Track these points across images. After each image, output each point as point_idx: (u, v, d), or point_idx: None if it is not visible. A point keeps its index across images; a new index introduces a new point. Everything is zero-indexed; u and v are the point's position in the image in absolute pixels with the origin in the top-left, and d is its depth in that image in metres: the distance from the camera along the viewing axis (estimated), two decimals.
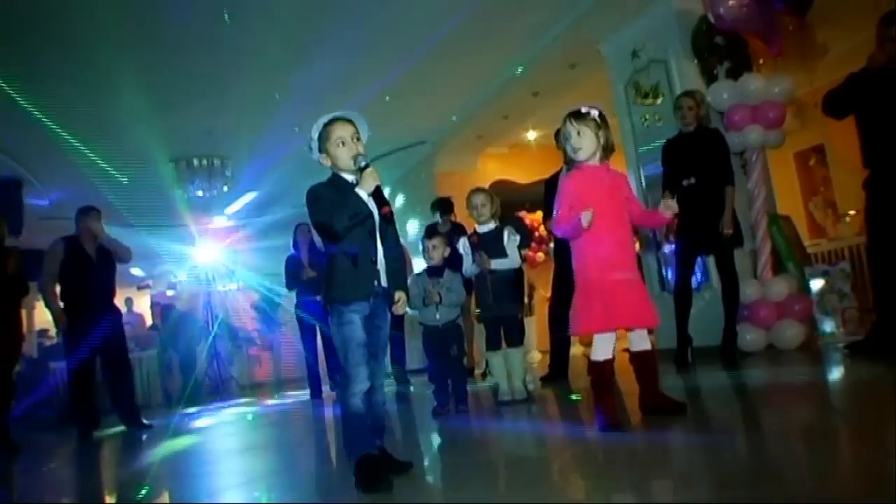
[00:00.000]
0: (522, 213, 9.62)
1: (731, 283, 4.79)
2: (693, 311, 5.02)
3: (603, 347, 2.82)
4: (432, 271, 4.25)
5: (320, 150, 2.50)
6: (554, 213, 2.93)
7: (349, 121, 2.49)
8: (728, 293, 4.80)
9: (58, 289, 5.51)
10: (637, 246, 5.82)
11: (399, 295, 2.48)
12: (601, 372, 2.83)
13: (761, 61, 5.73)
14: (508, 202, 6.29)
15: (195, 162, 8.67)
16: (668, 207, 2.90)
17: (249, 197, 10.52)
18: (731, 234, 4.72)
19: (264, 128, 7.62)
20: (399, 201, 11.17)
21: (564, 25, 6.49)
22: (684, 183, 4.76)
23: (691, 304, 4.88)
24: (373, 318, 2.43)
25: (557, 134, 5.33)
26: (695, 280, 5.38)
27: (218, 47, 5.89)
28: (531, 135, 9.75)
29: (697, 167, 4.76)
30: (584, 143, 2.85)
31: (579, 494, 2.06)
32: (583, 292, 2.83)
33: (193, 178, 8.69)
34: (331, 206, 2.35)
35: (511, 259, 4.17)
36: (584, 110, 2.89)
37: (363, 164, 2.39)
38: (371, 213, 2.41)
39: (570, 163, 2.95)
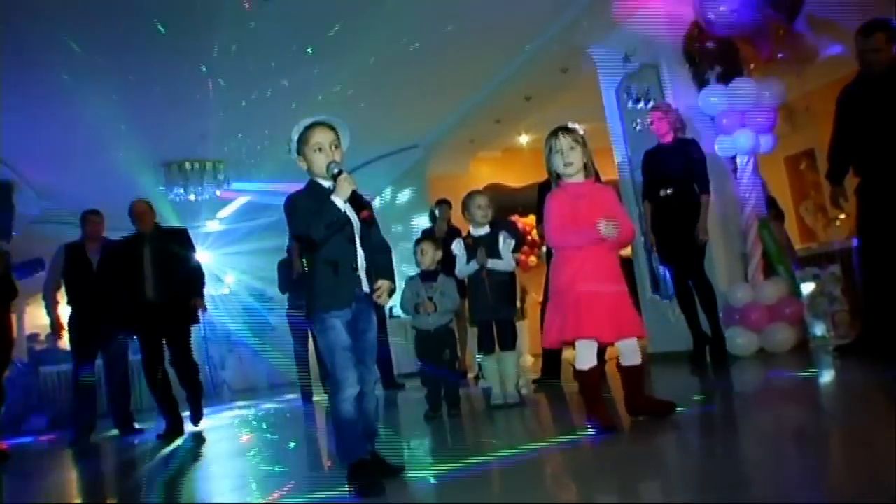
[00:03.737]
0: (515, 217, 9.64)
1: (705, 288, 4.92)
2: (674, 319, 5.14)
3: (586, 356, 2.81)
4: (426, 276, 4.26)
5: (298, 153, 2.48)
6: (547, 226, 2.93)
7: (331, 127, 2.46)
8: (704, 298, 4.93)
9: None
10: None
11: (381, 283, 2.44)
12: (588, 380, 2.83)
13: (752, 66, 5.77)
14: (501, 206, 6.32)
15: (187, 165, 8.66)
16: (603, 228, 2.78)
17: (242, 201, 10.50)
18: (706, 241, 4.89)
19: (257, 131, 7.63)
20: (390, 205, 11.17)
21: (556, 29, 6.52)
22: (661, 193, 4.89)
23: (695, 304, 4.96)
24: (356, 322, 2.41)
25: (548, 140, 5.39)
26: (670, 289, 5.46)
27: (211, 50, 5.88)
28: (523, 139, 9.77)
29: (674, 177, 4.92)
30: (575, 157, 2.85)
31: (572, 497, 2.06)
32: (553, 303, 2.89)
33: (185, 181, 8.67)
34: (307, 216, 2.33)
35: (506, 262, 4.19)
36: (571, 125, 2.92)
37: (336, 171, 2.36)
38: (349, 220, 2.39)
39: (555, 176, 2.94)
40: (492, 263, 4.15)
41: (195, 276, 5.51)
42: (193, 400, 5.49)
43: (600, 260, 2.82)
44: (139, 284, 5.18)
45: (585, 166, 2.89)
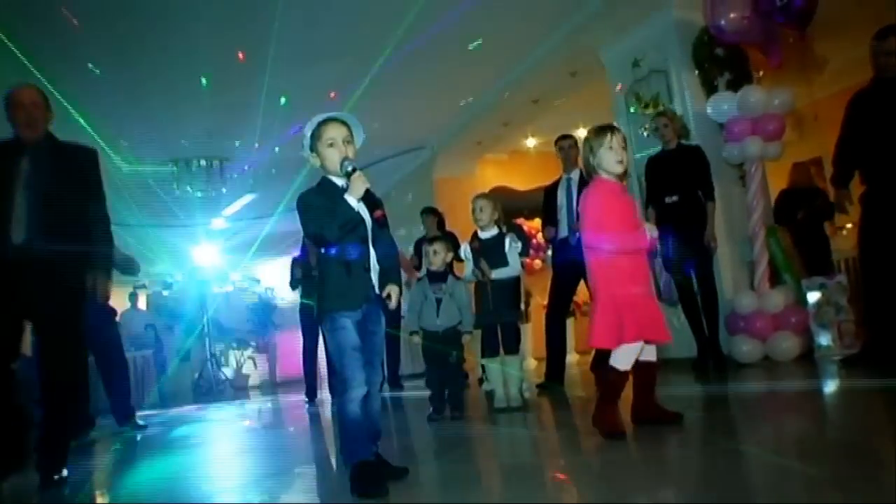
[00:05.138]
0: (520, 220, 9.63)
1: (711, 294, 4.92)
2: (676, 324, 5.14)
3: (628, 357, 2.81)
4: (434, 276, 4.26)
5: (311, 149, 2.46)
6: (588, 222, 2.87)
7: (344, 123, 2.44)
8: (708, 304, 4.92)
9: None
10: None
11: (390, 288, 2.43)
12: (618, 380, 2.83)
13: (761, 73, 5.77)
14: (507, 209, 6.32)
15: (195, 163, 8.68)
16: (651, 230, 2.88)
17: (248, 198, 10.52)
18: (716, 248, 4.90)
19: (264, 129, 7.64)
20: (397, 207, 11.17)
21: (565, 33, 6.52)
22: (667, 200, 4.88)
23: (699, 311, 4.95)
24: (366, 322, 2.40)
25: (558, 141, 5.40)
26: (673, 295, 5.47)
27: (219, 49, 5.90)
28: (530, 142, 9.78)
29: (679, 184, 4.91)
30: (626, 157, 2.89)
31: (574, 500, 2.06)
32: (608, 306, 2.81)
33: (193, 178, 8.70)
34: (321, 215, 2.31)
35: (512, 267, 4.18)
36: (616, 125, 2.95)
37: (349, 168, 2.34)
38: (362, 220, 2.37)
39: (590, 177, 2.95)
40: (496, 273, 4.14)
41: (100, 231, 3.46)
42: (51, 441, 3.20)
43: (643, 263, 2.89)
44: (2, 219, 3.15)
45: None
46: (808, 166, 7.14)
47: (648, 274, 2.96)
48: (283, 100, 6.65)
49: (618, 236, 2.80)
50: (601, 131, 2.90)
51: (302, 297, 6.94)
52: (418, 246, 6.30)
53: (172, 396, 10.64)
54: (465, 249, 4.30)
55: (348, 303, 2.35)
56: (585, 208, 2.90)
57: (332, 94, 6.53)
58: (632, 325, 2.75)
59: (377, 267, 2.44)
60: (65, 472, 3.19)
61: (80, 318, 3.31)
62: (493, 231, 4.25)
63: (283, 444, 4.31)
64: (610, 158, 2.85)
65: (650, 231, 2.87)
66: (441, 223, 6.73)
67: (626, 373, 2.82)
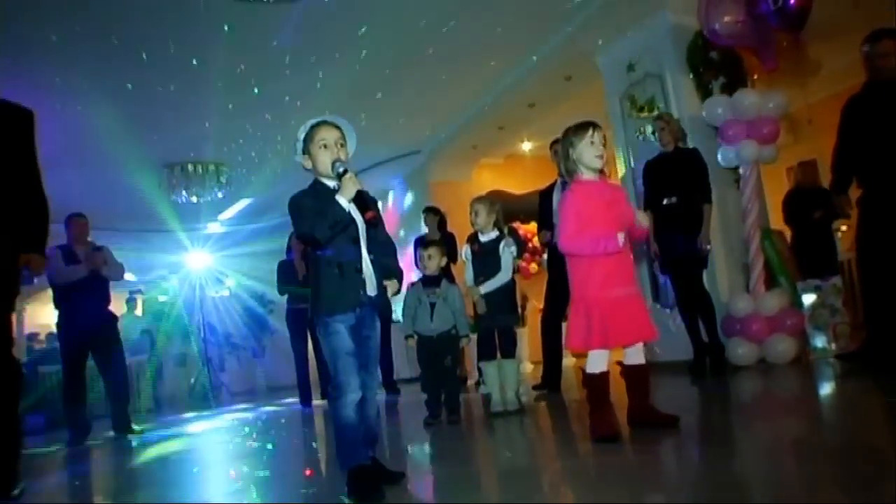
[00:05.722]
0: (516, 224, 9.63)
1: (703, 298, 4.91)
2: (672, 327, 5.14)
3: (598, 361, 2.83)
4: (428, 281, 4.25)
5: (303, 152, 2.47)
6: (562, 228, 2.89)
7: (336, 126, 2.46)
8: (703, 308, 4.91)
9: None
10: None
11: (388, 282, 2.44)
12: (596, 384, 2.84)
13: (756, 77, 5.79)
14: (502, 213, 6.34)
15: (190, 168, 8.67)
16: (642, 220, 2.89)
17: (243, 203, 10.51)
18: (708, 250, 4.88)
19: (259, 134, 7.64)
20: (391, 210, 11.17)
21: (561, 38, 6.53)
22: (664, 202, 4.88)
23: (696, 313, 4.94)
24: (360, 327, 2.40)
25: (553, 144, 5.40)
26: (670, 298, 5.48)
27: (214, 53, 5.89)
28: (526, 146, 9.80)
29: (677, 186, 4.90)
30: (604, 153, 2.89)
31: (570, 503, 2.06)
32: (581, 309, 2.83)
33: (188, 183, 8.68)
34: (311, 216, 2.31)
35: (504, 273, 4.18)
36: (597, 122, 2.93)
37: (341, 170, 2.35)
38: (353, 221, 2.38)
39: (569, 176, 2.95)
40: (486, 287, 4.15)
41: (34, 205, 3.13)
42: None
43: (624, 263, 2.86)
44: None
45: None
46: (814, 166, 7.15)
47: (631, 274, 2.91)
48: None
49: (584, 242, 2.79)
50: (582, 127, 2.91)
51: (290, 301, 6.91)
52: (416, 245, 6.31)
53: (168, 401, 10.63)
54: (465, 252, 4.32)
55: (341, 306, 2.35)
56: (560, 213, 2.93)
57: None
58: (598, 330, 2.75)
59: (371, 270, 2.43)
60: (16, 491, 2.92)
61: (7, 306, 2.93)
62: (493, 234, 4.26)
63: (279, 448, 4.29)
64: (590, 153, 2.86)
65: (642, 220, 2.86)
66: (442, 223, 6.74)
67: (601, 374, 2.83)
